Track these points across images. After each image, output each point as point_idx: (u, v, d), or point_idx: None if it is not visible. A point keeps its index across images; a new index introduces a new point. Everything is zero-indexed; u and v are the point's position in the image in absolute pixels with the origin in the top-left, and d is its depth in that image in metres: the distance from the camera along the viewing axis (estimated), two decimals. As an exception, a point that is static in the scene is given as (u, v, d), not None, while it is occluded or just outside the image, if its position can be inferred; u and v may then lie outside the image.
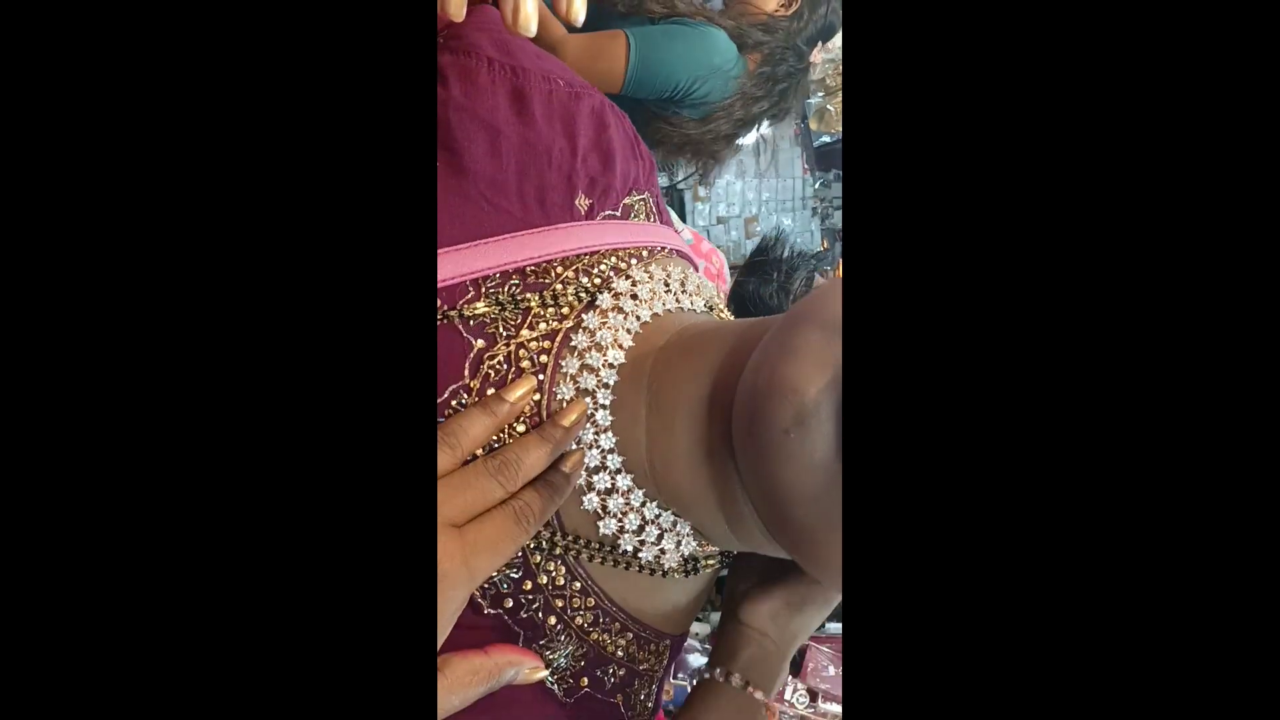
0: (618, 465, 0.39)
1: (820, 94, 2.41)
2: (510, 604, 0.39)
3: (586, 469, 0.39)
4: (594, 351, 0.40)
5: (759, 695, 0.45)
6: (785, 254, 0.81)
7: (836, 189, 3.21)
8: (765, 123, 1.36)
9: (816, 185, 3.26)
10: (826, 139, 2.81)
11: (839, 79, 2.35)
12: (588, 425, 0.39)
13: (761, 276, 0.83)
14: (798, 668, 1.93)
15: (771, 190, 3.39)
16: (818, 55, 1.39)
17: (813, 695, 1.95)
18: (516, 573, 0.39)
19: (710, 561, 0.44)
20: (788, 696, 1.99)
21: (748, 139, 1.42)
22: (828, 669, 1.90)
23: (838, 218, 3.30)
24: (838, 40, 2.25)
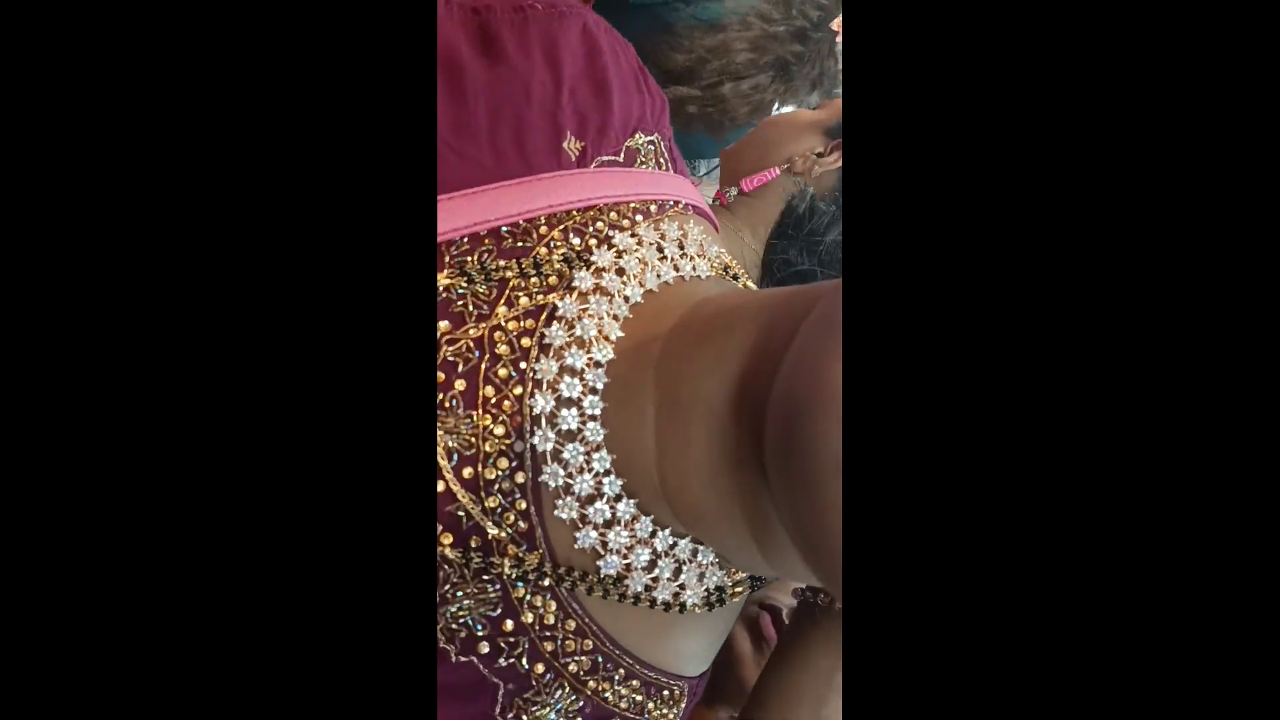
0: (617, 490, 0.31)
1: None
2: (487, 649, 0.31)
3: (578, 499, 0.31)
4: (574, 349, 0.31)
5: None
6: (809, 212, 0.74)
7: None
8: (777, 104, 1.27)
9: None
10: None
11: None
12: (576, 444, 0.31)
13: (787, 238, 0.75)
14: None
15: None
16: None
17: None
18: (494, 610, 0.31)
19: (739, 589, 0.35)
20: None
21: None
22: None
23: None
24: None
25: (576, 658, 0.33)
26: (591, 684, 0.33)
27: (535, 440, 0.30)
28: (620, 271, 0.33)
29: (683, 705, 0.37)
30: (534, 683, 0.32)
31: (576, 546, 0.31)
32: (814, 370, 0.25)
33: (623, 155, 0.38)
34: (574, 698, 0.33)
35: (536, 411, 0.31)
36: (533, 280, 0.32)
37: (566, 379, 0.31)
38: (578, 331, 0.31)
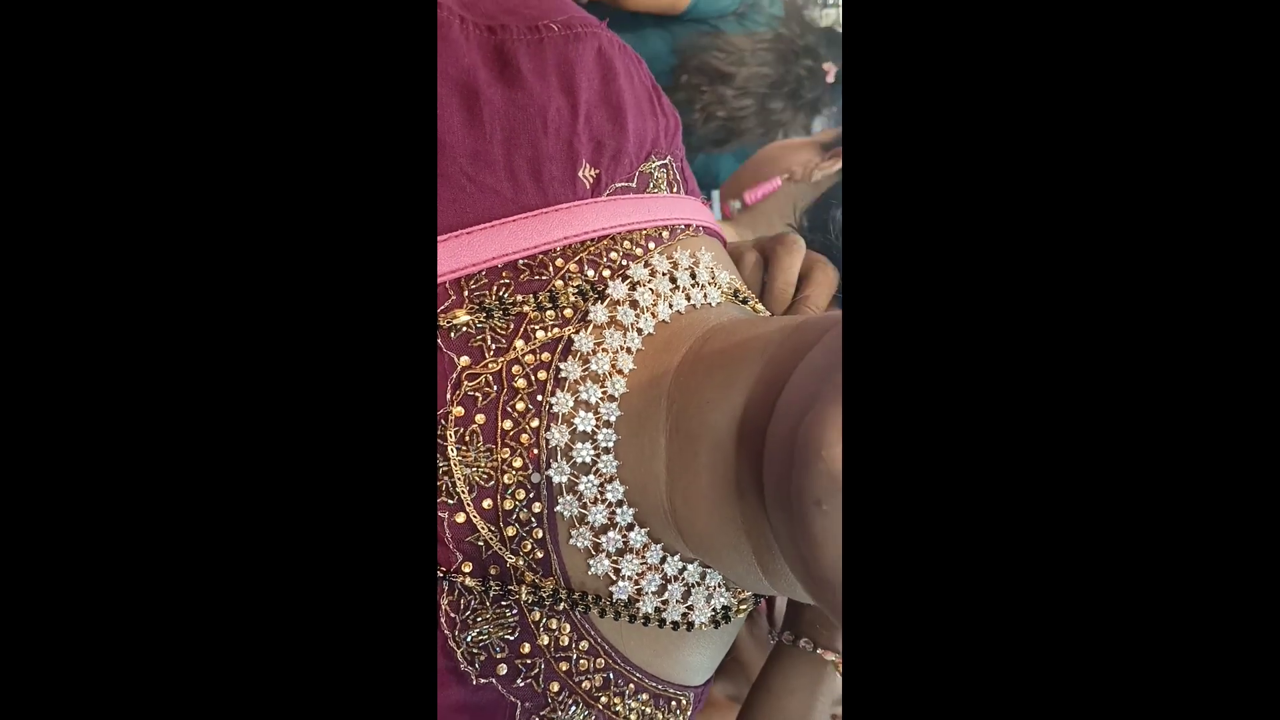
0: (629, 520, 0.32)
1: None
2: (505, 670, 0.33)
3: (592, 528, 0.32)
4: (589, 384, 0.32)
5: (829, 656, 0.44)
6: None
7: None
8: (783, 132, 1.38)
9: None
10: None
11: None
12: (590, 476, 0.32)
13: (810, 222, 0.76)
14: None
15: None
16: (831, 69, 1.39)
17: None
18: (512, 634, 0.33)
19: (744, 607, 0.37)
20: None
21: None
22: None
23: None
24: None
25: (589, 675, 0.34)
26: (604, 699, 0.35)
27: (551, 472, 0.31)
28: (634, 304, 0.34)
29: (689, 712, 0.39)
30: (550, 700, 0.34)
31: (590, 573, 0.32)
32: (801, 422, 0.26)
33: (636, 180, 0.38)
34: (587, 713, 0.35)
35: (552, 445, 0.31)
36: (548, 314, 0.33)
37: (581, 413, 0.32)
38: (592, 366, 0.32)
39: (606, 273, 0.35)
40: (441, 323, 0.32)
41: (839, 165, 0.74)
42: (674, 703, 0.37)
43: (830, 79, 1.37)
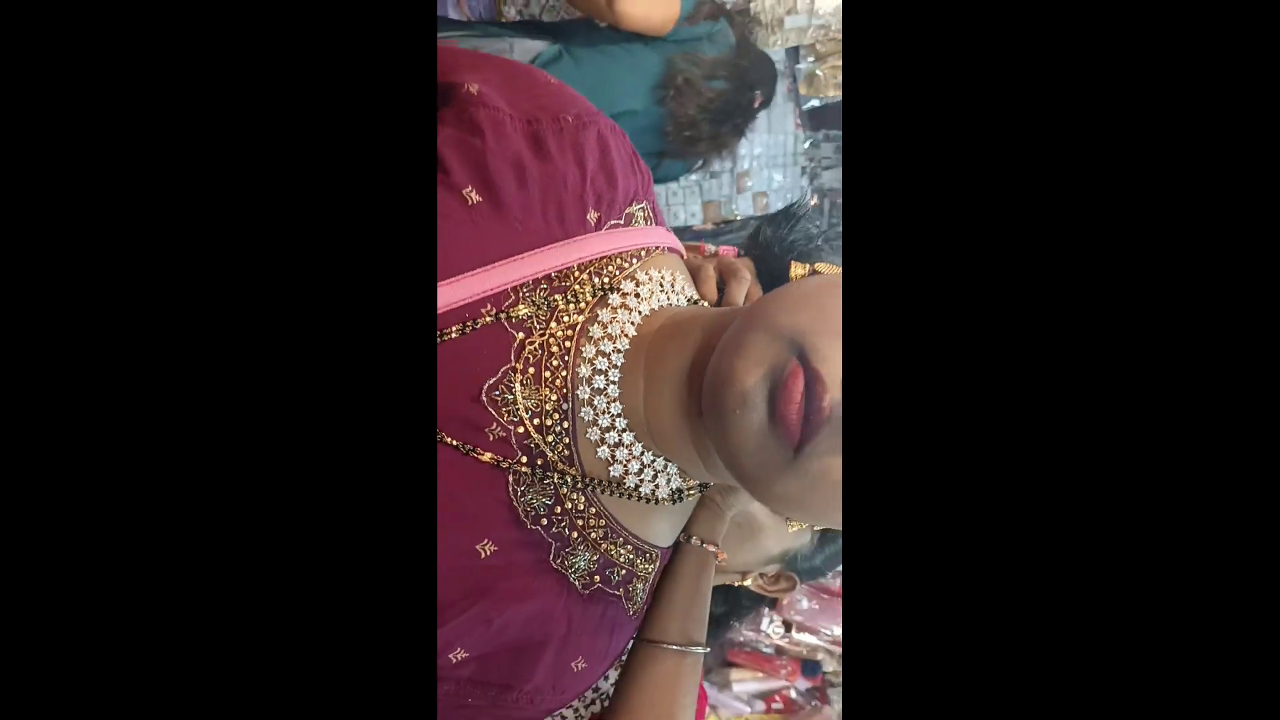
0: (624, 426, 0.53)
1: (811, 59, 2.50)
2: (545, 522, 0.53)
3: (600, 428, 0.53)
4: (606, 340, 0.53)
5: (710, 548, 0.64)
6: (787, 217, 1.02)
7: (825, 149, 3.31)
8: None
9: (806, 144, 3.35)
10: (815, 103, 2.90)
11: (829, 44, 2.43)
12: (601, 396, 0.53)
13: (773, 229, 1.03)
14: (774, 603, 2.10)
15: (764, 145, 3.49)
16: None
17: (787, 626, 2.13)
18: (550, 500, 0.53)
19: (691, 492, 0.58)
20: (764, 628, 2.17)
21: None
22: (801, 602, 2.08)
23: (826, 176, 3.40)
24: (827, 5, 2.33)
25: (595, 529, 0.55)
26: (604, 546, 0.55)
27: (578, 392, 0.52)
28: (637, 295, 0.55)
29: (657, 564, 0.60)
30: (570, 543, 0.54)
31: (597, 458, 0.53)
32: (724, 362, 0.47)
33: (624, 219, 0.59)
34: (592, 554, 0.55)
35: (580, 374, 0.52)
36: (571, 305, 0.54)
37: (599, 358, 0.53)
38: (611, 330, 0.53)
39: (608, 279, 0.56)
40: (510, 313, 0.52)
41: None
42: (647, 554, 0.58)
43: (756, 104, 1.62)
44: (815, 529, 0.77)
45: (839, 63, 2.35)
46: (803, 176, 3.49)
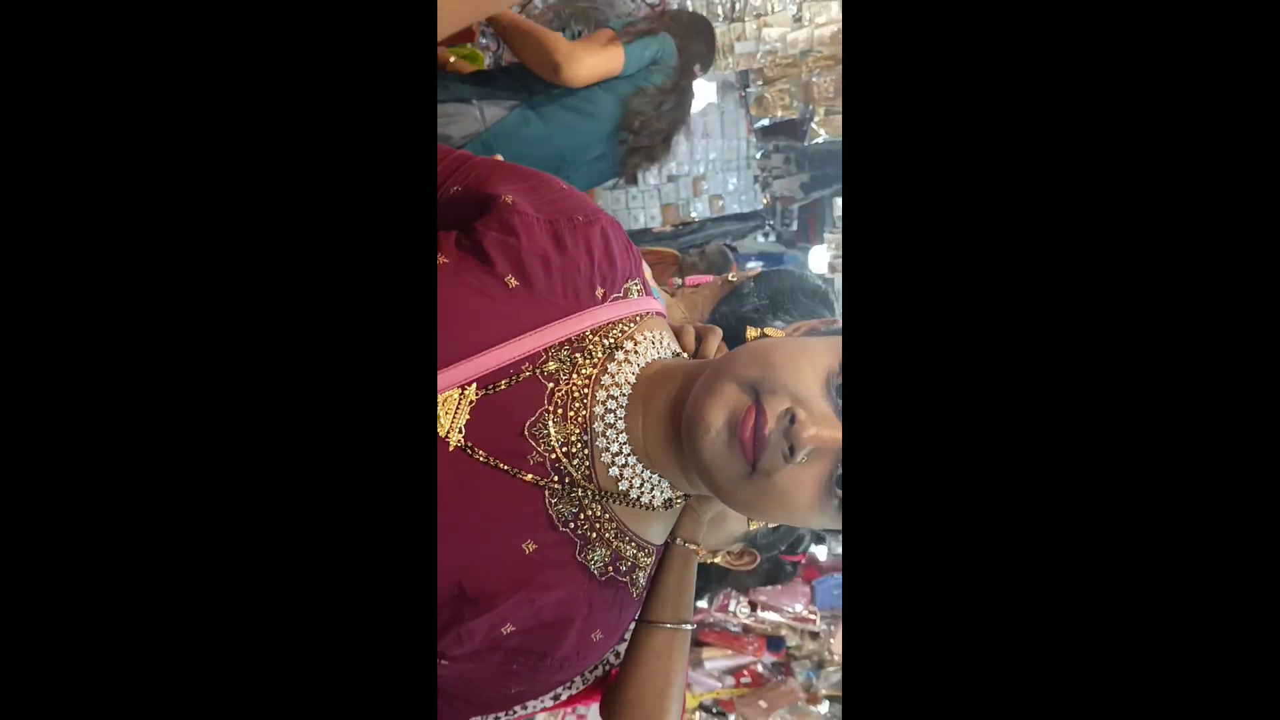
0: (628, 451, 0.71)
1: (760, 82, 2.69)
2: (572, 526, 0.71)
3: (611, 453, 0.71)
4: (614, 386, 0.71)
5: (692, 546, 0.82)
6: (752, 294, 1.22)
7: (776, 159, 3.52)
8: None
9: (759, 155, 3.55)
10: (765, 123, 3.11)
11: (776, 69, 2.62)
12: (611, 429, 0.71)
13: (732, 305, 1.22)
14: (739, 585, 2.29)
15: (718, 150, 3.68)
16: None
17: (753, 606, 2.33)
18: (575, 509, 0.71)
19: (678, 501, 0.76)
20: (732, 608, 2.36)
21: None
22: (766, 585, 2.28)
23: (777, 185, 3.61)
24: (774, 32, 2.52)
25: (608, 530, 0.73)
26: (615, 543, 0.73)
27: (595, 425, 0.70)
28: (635, 353, 0.73)
29: (654, 558, 0.78)
30: (591, 541, 0.72)
31: (609, 476, 0.71)
32: (696, 405, 0.65)
33: (623, 293, 0.77)
34: (606, 550, 0.73)
35: (596, 413, 0.70)
36: (585, 361, 0.72)
37: (609, 400, 0.70)
38: (617, 379, 0.71)
39: (611, 341, 0.73)
40: (543, 368, 0.70)
41: (749, 276, 1.21)
42: (646, 550, 0.76)
43: (696, 76, 1.78)
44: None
45: (786, 86, 2.55)
46: (755, 184, 3.70)
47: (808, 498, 0.63)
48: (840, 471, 0.62)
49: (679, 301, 1.27)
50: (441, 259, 0.72)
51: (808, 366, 0.63)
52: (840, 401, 0.63)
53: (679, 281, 1.32)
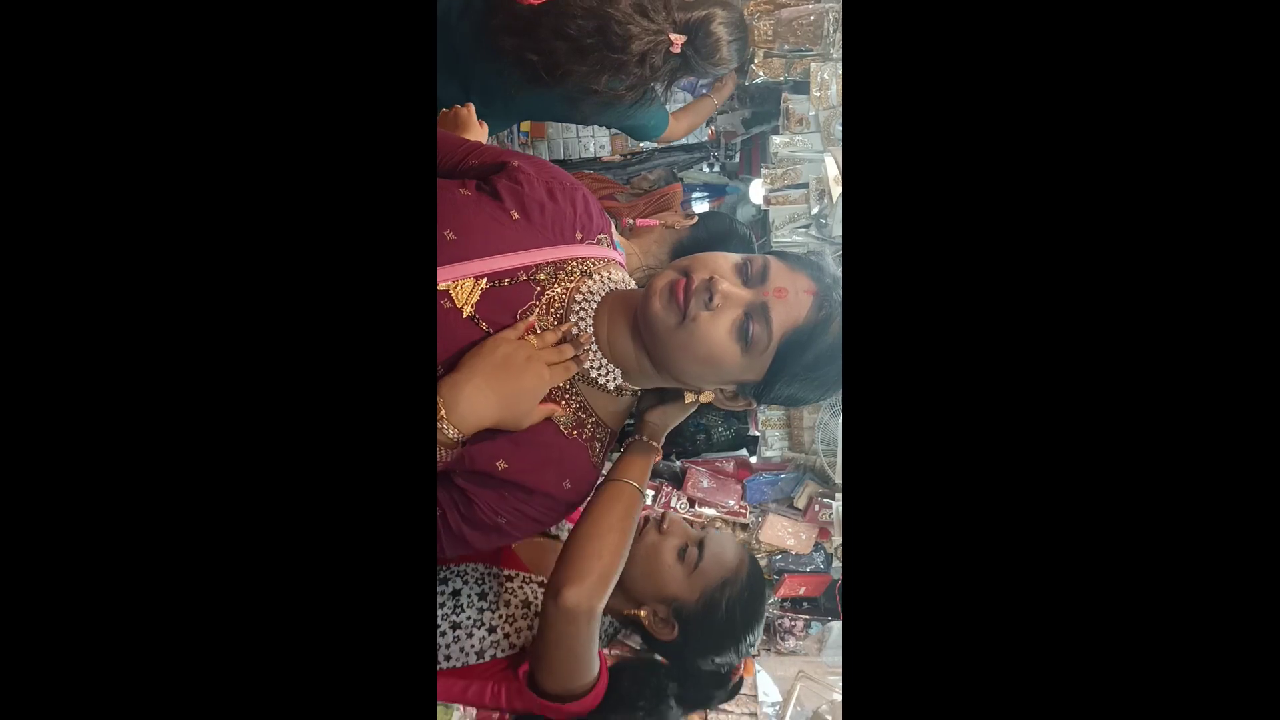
0: (596, 348, 1.00)
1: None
2: (573, 411, 1.01)
3: (589, 354, 0.99)
4: (587, 294, 1.00)
5: (653, 443, 1.11)
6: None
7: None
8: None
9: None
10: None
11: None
12: (581, 323, 0.99)
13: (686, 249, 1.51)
14: (680, 482, 2.62)
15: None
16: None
17: (691, 501, 2.66)
18: (575, 403, 1.00)
19: (633, 389, 1.06)
20: (674, 504, 2.69)
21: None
22: (703, 482, 2.60)
23: (721, 120, 3.81)
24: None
25: (573, 403, 1.01)
26: (579, 415, 1.02)
27: (569, 318, 0.99)
28: (602, 280, 1.02)
29: (607, 438, 1.08)
30: (569, 414, 1.01)
31: (584, 365, 1.00)
32: (648, 285, 0.95)
33: (595, 241, 1.06)
34: (569, 416, 1.02)
35: (573, 310, 0.99)
36: (565, 277, 1.00)
37: (584, 302, 0.99)
38: (589, 291, 1.00)
39: (587, 268, 1.02)
40: (537, 276, 0.98)
41: (689, 223, 1.47)
42: (604, 429, 1.06)
43: (675, 49, 1.75)
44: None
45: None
46: (700, 118, 3.89)
47: (723, 336, 0.88)
48: (749, 322, 0.87)
49: (631, 242, 1.55)
50: (464, 191, 0.98)
51: (721, 260, 0.92)
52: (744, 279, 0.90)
53: (630, 222, 1.60)
